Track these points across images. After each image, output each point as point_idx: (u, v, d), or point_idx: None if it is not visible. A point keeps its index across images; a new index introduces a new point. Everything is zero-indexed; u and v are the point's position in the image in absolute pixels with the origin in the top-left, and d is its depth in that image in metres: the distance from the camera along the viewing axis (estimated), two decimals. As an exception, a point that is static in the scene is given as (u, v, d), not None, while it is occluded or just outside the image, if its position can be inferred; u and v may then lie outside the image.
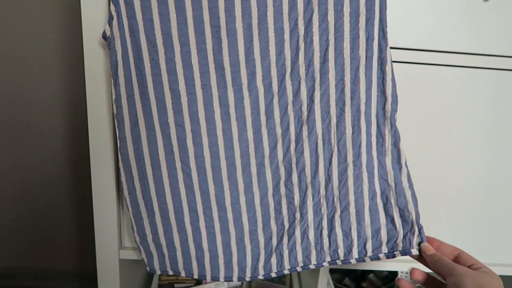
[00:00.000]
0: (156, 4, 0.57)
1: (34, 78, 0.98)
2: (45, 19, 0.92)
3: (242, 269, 0.68)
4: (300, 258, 0.68)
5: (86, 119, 0.67)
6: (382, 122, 0.64)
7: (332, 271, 1.02)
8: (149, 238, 0.67)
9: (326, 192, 0.66)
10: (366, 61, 0.61)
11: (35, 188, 1.04)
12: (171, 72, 0.59)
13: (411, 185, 0.64)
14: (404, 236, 0.65)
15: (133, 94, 0.61)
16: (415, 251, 0.63)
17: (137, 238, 0.68)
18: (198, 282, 0.99)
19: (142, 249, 0.68)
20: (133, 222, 0.67)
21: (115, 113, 0.61)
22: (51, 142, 1.01)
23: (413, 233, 0.64)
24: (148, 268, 0.70)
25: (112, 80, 0.59)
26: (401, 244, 0.65)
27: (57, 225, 1.05)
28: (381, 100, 0.63)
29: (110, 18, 0.57)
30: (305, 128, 0.64)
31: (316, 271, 0.81)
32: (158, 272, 0.70)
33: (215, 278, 0.68)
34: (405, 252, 0.64)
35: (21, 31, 0.93)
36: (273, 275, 0.69)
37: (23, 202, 1.05)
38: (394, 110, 0.63)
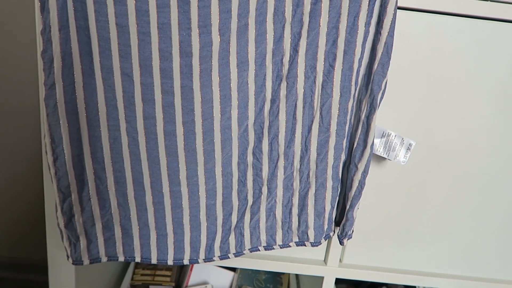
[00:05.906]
0: None
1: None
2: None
3: (195, 249, 0.55)
4: (263, 237, 0.57)
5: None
6: (365, 86, 0.53)
7: (338, 282, 0.87)
8: (78, 218, 0.53)
9: (301, 165, 0.55)
10: (368, 4, 0.49)
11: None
12: (120, 1, 0.45)
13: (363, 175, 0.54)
14: None
15: (68, 25, 0.47)
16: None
17: (61, 220, 0.53)
18: (178, 285, 0.86)
19: (65, 235, 0.53)
20: (58, 198, 0.52)
21: (41, 49, 0.47)
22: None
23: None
24: (70, 260, 0.55)
25: (38, 3, 0.45)
26: None
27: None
28: (371, 58, 0.51)
29: None
30: (283, 85, 0.51)
31: (319, 281, 0.70)
32: (86, 262, 0.55)
33: (162, 261, 0.55)
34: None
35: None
36: (231, 256, 0.57)
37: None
38: (380, 74, 0.51)
